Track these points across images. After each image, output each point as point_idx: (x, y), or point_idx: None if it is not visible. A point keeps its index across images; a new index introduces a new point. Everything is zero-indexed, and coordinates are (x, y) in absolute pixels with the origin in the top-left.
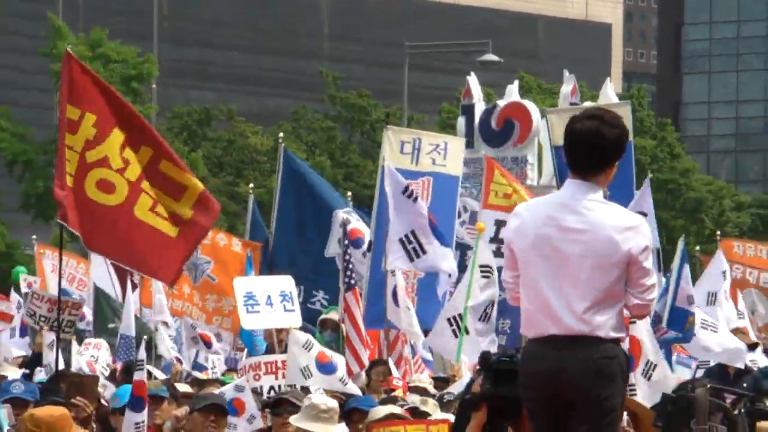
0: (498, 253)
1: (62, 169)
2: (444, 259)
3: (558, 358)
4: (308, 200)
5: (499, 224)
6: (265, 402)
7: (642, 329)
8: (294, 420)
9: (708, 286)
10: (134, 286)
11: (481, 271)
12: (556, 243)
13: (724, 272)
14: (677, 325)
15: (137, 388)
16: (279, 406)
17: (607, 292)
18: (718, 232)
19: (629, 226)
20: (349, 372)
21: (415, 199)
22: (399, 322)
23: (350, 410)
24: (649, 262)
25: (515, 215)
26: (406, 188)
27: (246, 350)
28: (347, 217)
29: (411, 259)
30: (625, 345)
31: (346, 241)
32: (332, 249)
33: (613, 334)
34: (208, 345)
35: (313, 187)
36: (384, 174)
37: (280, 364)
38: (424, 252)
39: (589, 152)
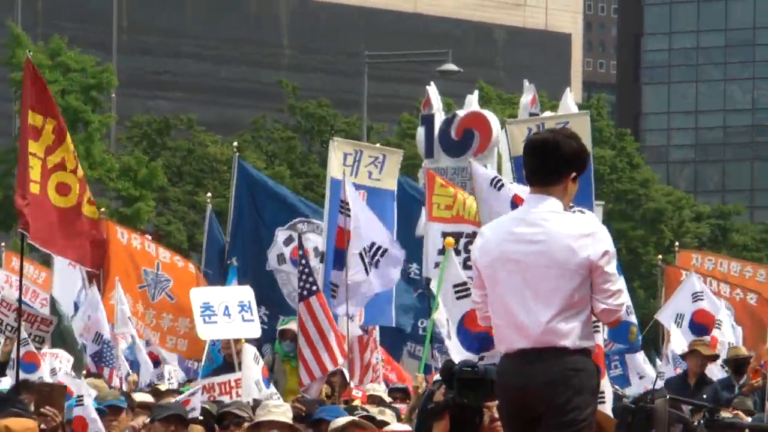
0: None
1: (24, 178)
2: (387, 272)
3: (526, 371)
4: (261, 212)
5: (445, 236)
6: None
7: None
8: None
9: (676, 308)
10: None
11: (456, 291)
12: (517, 257)
13: (694, 294)
14: (620, 336)
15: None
16: (225, 419)
17: (570, 301)
18: (677, 244)
19: (587, 233)
20: (301, 383)
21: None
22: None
23: (317, 420)
24: (611, 267)
25: (480, 235)
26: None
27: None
28: (304, 228)
29: (366, 273)
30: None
31: (301, 251)
32: (272, 263)
33: (581, 344)
34: (156, 364)
35: (266, 200)
36: (332, 186)
37: (233, 383)
38: (375, 266)
39: (546, 162)
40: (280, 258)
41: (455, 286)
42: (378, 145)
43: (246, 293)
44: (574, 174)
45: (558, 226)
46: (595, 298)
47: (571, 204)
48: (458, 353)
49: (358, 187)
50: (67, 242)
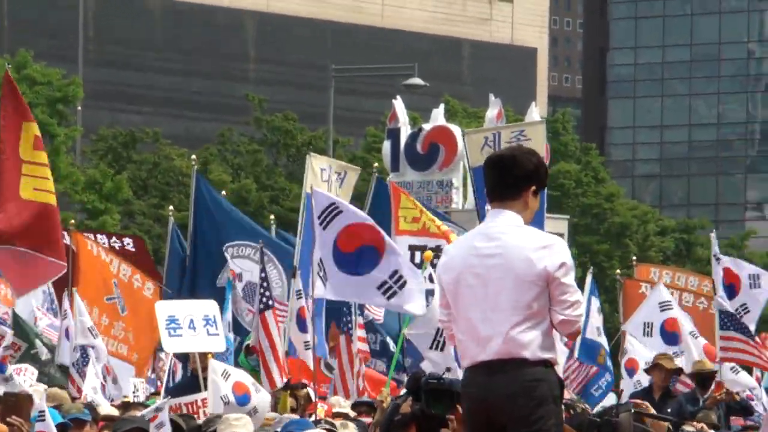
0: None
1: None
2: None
3: (488, 383)
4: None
5: (413, 249)
6: None
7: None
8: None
9: (645, 317)
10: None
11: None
12: (477, 270)
13: (662, 303)
14: (589, 357)
15: None
16: None
17: (529, 312)
18: (634, 257)
19: (544, 245)
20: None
21: (325, 227)
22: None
23: None
24: (568, 278)
25: (444, 253)
26: (321, 214)
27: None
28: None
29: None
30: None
31: (261, 265)
32: (223, 279)
33: (541, 355)
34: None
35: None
36: (309, 199)
37: (200, 403)
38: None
39: (504, 177)
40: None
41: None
42: (343, 162)
43: (211, 307)
44: (534, 188)
45: (515, 239)
46: (554, 310)
47: None
48: (445, 365)
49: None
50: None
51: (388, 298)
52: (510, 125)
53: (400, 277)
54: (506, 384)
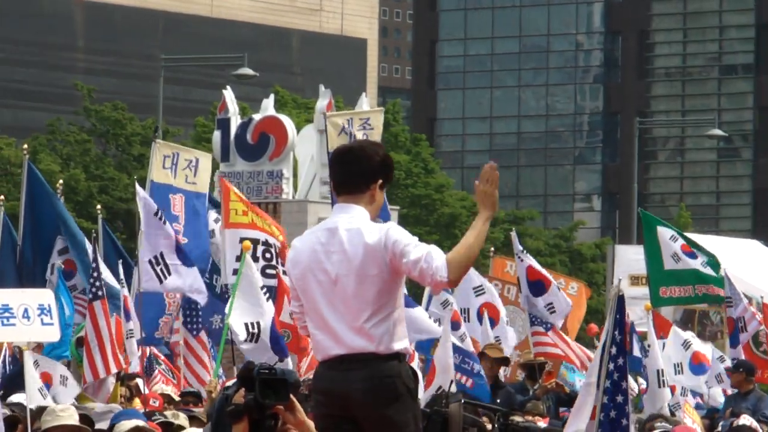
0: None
1: None
2: (187, 279)
3: (342, 378)
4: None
5: (243, 241)
6: None
7: (442, 357)
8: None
9: (461, 303)
10: None
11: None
12: (325, 266)
13: (475, 288)
14: (423, 346)
15: None
16: None
17: (377, 305)
18: (492, 248)
19: (379, 232)
20: (85, 381)
21: (164, 221)
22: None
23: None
24: (407, 244)
25: (292, 248)
26: (158, 211)
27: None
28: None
29: (160, 281)
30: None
31: (95, 255)
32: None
33: (394, 346)
34: None
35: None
36: (152, 189)
37: None
38: (170, 273)
39: (351, 171)
40: (53, 268)
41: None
42: (191, 149)
43: (46, 296)
44: (380, 182)
45: (357, 234)
46: (413, 275)
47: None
48: (259, 355)
49: (178, 190)
50: None
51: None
52: (357, 112)
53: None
54: (360, 379)
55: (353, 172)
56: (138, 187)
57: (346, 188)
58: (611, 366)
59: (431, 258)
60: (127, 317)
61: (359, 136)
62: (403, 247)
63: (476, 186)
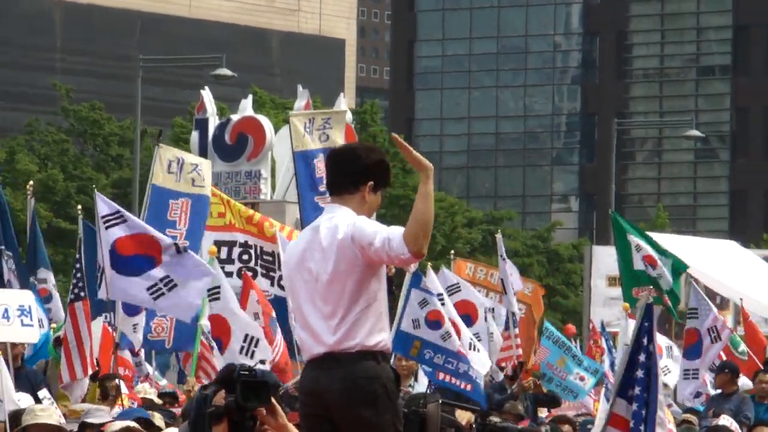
0: (228, 275)
1: None
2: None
3: (322, 378)
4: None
5: (219, 245)
6: None
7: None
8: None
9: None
10: None
11: (209, 293)
12: (309, 265)
13: (450, 287)
14: (401, 348)
15: None
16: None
17: (353, 299)
18: (453, 252)
19: (347, 228)
20: (61, 381)
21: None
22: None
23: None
24: (368, 225)
25: (288, 249)
26: (105, 216)
27: None
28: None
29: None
30: None
31: (79, 255)
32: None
33: (371, 341)
34: None
35: None
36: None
37: None
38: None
39: (341, 172)
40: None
41: (211, 289)
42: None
43: (26, 297)
44: (372, 184)
45: (334, 231)
46: (384, 261)
47: None
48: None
49: (182, 195)
50: None
51: (155, 299)
52: (320, 111)
53: (171, 281)
54: (338, 379)
55: (340, 173)
56: (100, 196)
57: (335, 189)
58: (640, 373)
59: (390, 240)
60: (134, 311)
61: (318, 135)
62: (368, 236)
63: (406, 158)
